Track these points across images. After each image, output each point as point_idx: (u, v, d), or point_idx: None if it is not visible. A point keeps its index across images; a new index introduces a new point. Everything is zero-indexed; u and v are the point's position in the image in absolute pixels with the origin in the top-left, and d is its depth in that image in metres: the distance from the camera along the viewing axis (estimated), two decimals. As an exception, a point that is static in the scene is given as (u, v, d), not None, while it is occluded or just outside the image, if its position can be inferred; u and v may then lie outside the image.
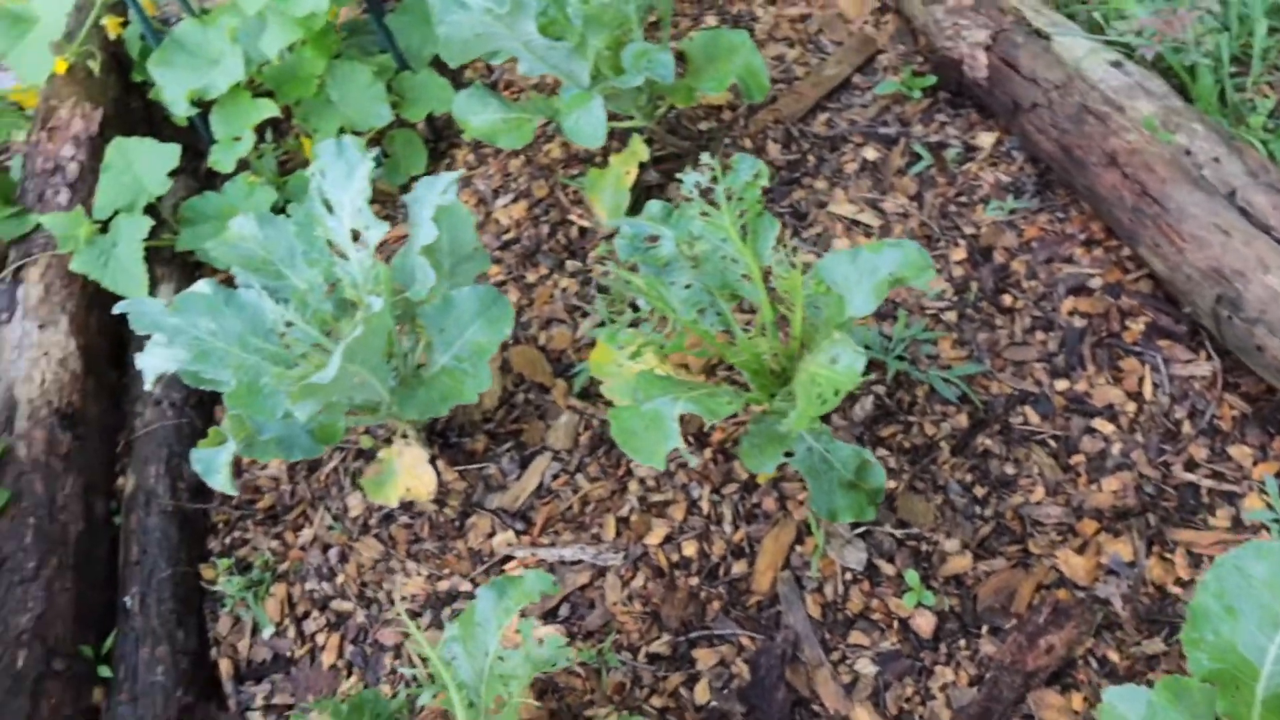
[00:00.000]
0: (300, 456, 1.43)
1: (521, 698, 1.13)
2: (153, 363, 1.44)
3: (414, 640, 1.46)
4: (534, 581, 1.24)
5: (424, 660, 1.46)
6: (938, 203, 1.84)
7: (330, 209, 1.47)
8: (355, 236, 1.46)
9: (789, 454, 1.38)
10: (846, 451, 1.40)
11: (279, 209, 1.90)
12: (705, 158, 1.42)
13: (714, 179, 1.40)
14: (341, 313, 1.51)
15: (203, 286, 1.48)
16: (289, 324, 1.50)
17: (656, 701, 1.38)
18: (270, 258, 1.53)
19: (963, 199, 1.83)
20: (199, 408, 1.79)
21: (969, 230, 1.78)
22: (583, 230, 1.90)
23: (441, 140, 2.12)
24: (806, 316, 1.44)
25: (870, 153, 1.94)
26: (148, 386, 1.43)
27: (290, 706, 1.47)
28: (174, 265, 1.95)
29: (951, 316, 1.69)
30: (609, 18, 1.66)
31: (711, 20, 2.23)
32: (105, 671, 1.50)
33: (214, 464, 1.35)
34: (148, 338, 1.43)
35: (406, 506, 1.59)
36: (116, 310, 1.40)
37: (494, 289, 1.44)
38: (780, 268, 1.41)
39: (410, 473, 1.47)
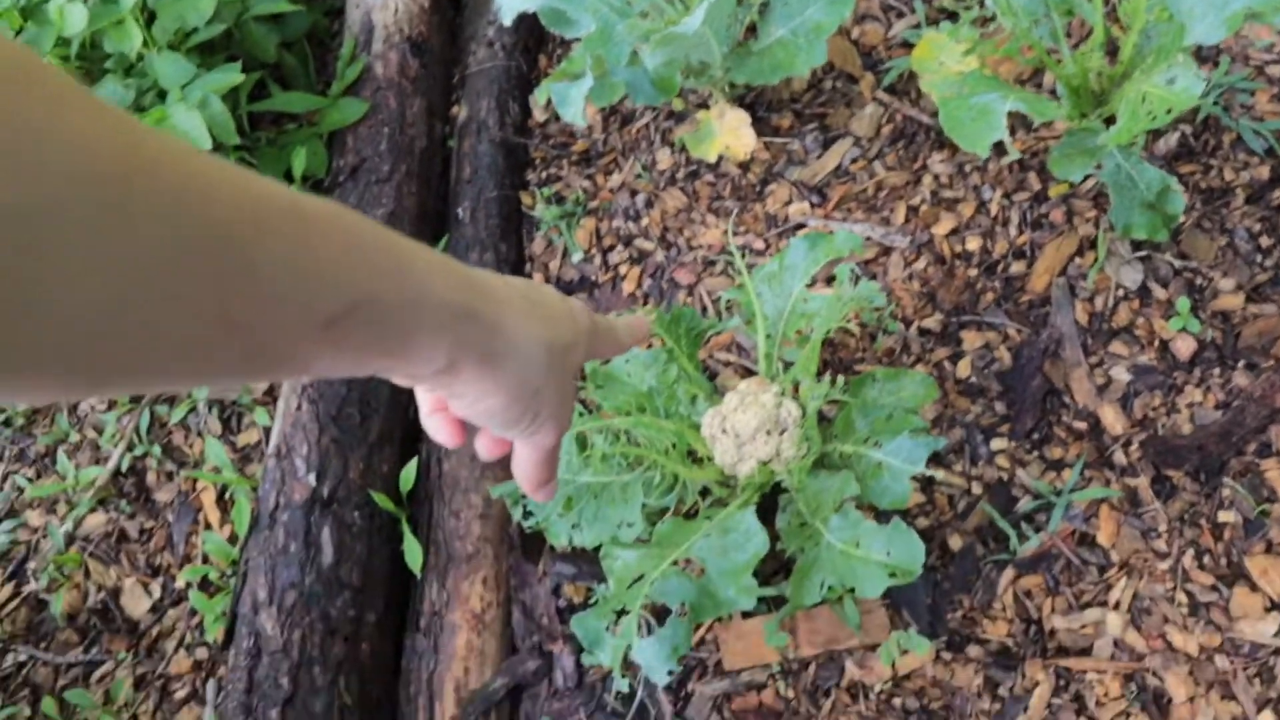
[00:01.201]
0: (643, 101, 1.58)
1: (829, 329, 1.30)
2: (512, 2, 1.59)
3: (734, 273, 1.65)
4: (844, 239, 1.38)
5: (714, 301, 1.66)
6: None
7: None
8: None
9: (1098, 166, 1.45)
10: (1152, 174, 1.46)
11: None
12: None
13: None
14: (681, -24, 1.61)
15: (564, -70, 1.60)
16: (634, -22, 1.61)
17: (921, 368, 1.54)
18: (627, -90, 1.62)
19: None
20: (525, 53, 1.95)
21: (1314, -23, 1.71)
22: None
23: None
24: (1138, 43, 1.46)
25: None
26: (506, 23, 1.58)
27: (593, 322, 1.70)
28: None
29: (1276, 70, 1.67)
30: None
31: None
32: (442, 266, 1.75)
33: (569, 96, 1.51)
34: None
35: (712, 166, 1.74)
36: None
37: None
38: (1128, -13, 1.43)
39: (732, 132, 1.60)
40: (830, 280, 1.60)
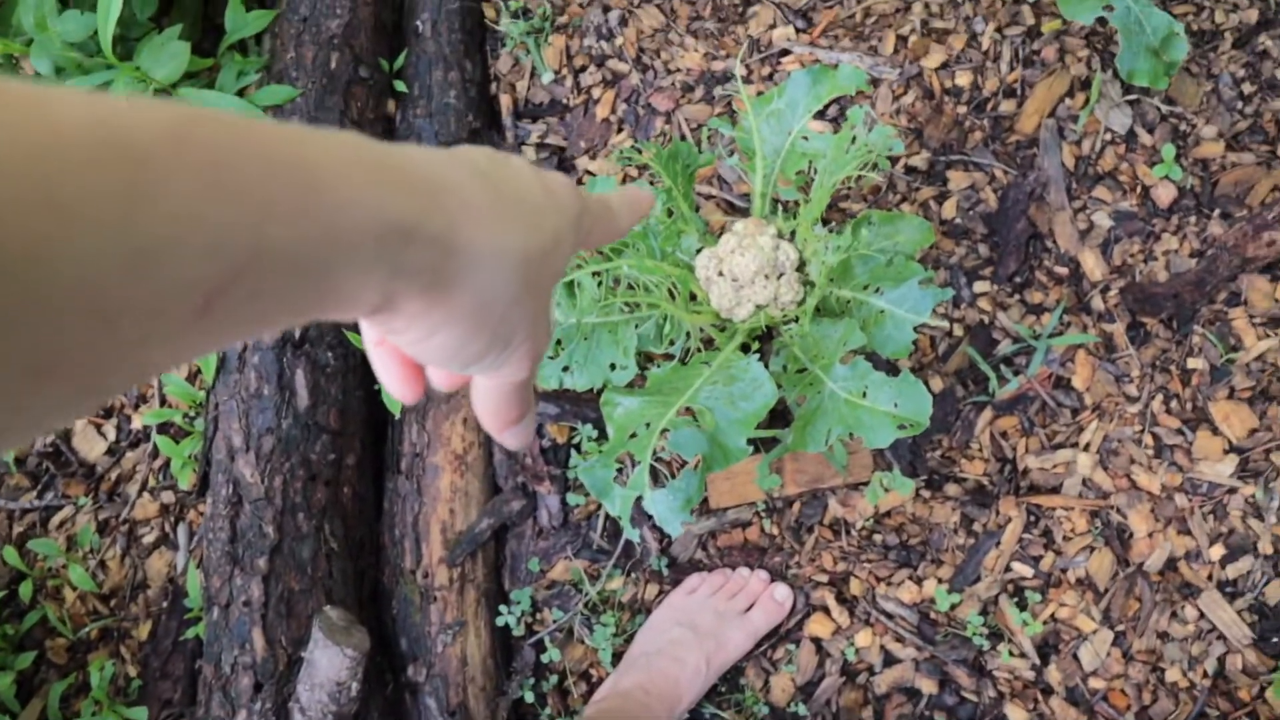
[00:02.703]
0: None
1: (837, 179, 1.25)
2: None
3: (718, 101, 1.58)
4: (849, 75, 1.32)
5: (695, 128, 1.59)
6: None
7: None
8: None
9: (1108, 8, 1.41)
10: (1160, 18, 1.42)
11: None
12: None
13: None
14: None
15: None
16: None
17: (906, 208, 1.52)
18: None
19: None
20: None
21: None
22: None
23: None
24: None
25: None
26: None
27: (563, 149, 1.62)
28: None
29: (1270, -100, 1.62)
30: None
31: None
32: (400, 87, 1.63)
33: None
34: None
35: (692, -15, 1.63)
36: None
37: None
38: None
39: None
40: (822, 115, 1.54)
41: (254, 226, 0.27)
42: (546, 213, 0.41)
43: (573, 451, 1.47)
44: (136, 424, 1.54)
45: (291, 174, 0.29)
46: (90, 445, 1.55)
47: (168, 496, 1.51)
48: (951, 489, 1.42)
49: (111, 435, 1.56)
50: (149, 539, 1.49)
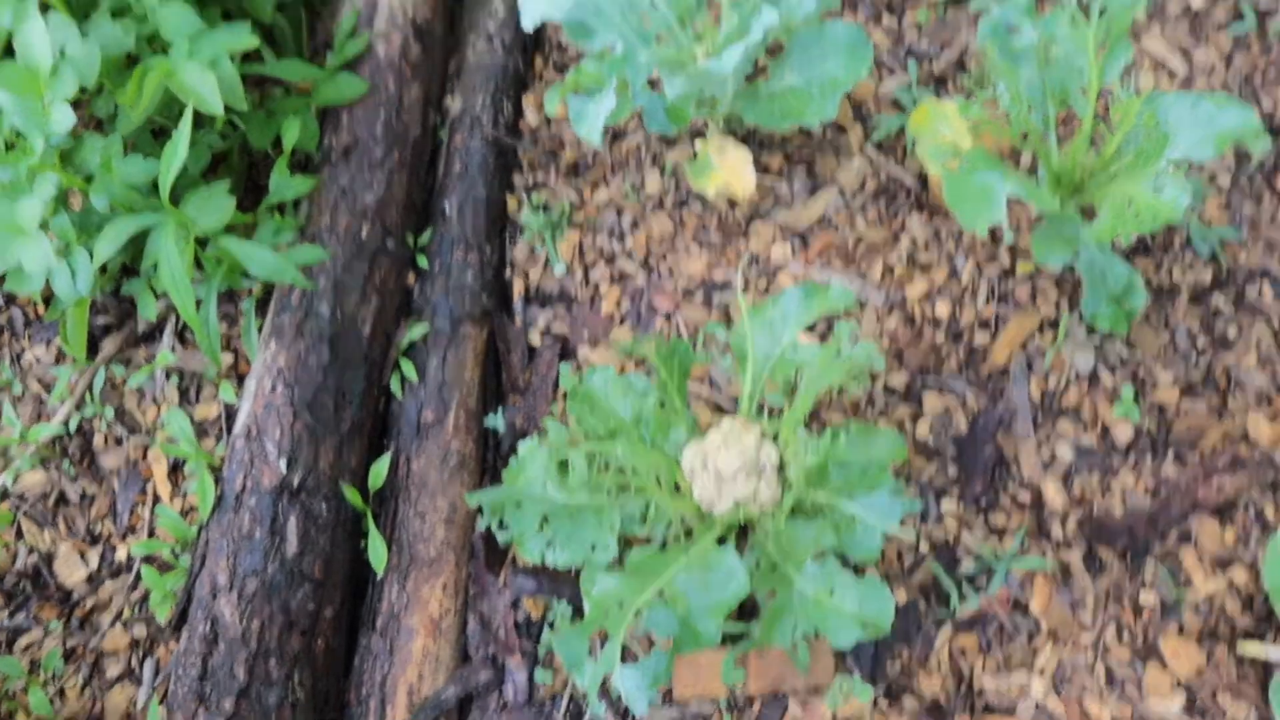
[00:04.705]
0: (655, 129, 1.60)
1: (821, 388, 1.35)
2: (535, 5, 1.59)
3: (718, 308, 1.69)
4: (839, 295, 1.43)
5: (694, 330, 1.69)
6: (1245, 68, 1.89)
7: (730, -90, 1.57)
8: (746, -57, 1.56)
9: (1074, 254, 1.55)
10: (1121, 269, 1.57)
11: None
12: (1099, -32, 1.50)
13: (1097, -8, 1.48)
14: (700, 9, 1.64)
15: (591, -51, 1.60)
16: (653, 4, 1.63)
17: (883, 423, 1.61)
18: (653, -62, 1.63)
19: (1271, 72, 1.88)
20: (523, 51, 1.95)
21: (1267, 105, 1.85)
22: (906, -10, 1.97)
23: None
24: (1122, 143, 1.56)
25: (1196, 0, 1.97)
26: (527, 28, 1.59)
27: (566, 338, 1.72)
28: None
29: (1225, 180, 1.80)
30: None
31: None
32: (422, 262, 1.74)
33: (587, 114, 1.52)
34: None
35: (699, 197, 1.77)
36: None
37: (863, 31, 1.56)
38: (1120, 91, 1.52)
39: (732, 171, 1.64)
40: (811, 329, 1.65)
41: None
42: None
43: (546, 628, 1.51)
44: (121, 554, 1.57)
45: None
46: (71, 571, 1.58)
47: (139, 630, 1.53)
48: (909, 702, 1.45)
49: (94, 563, 1.59)
50: (114, 671, 1.50)
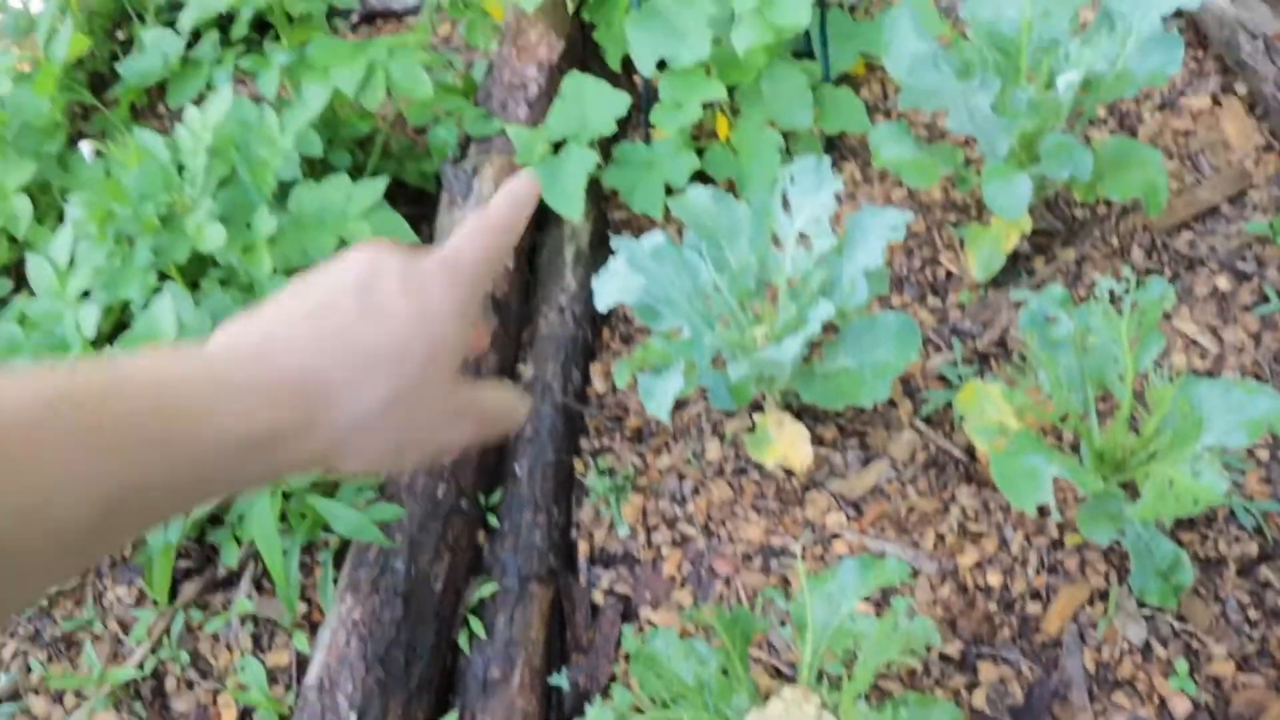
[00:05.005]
0: (720, 406, 1.73)
1: (879, 661, 1.40)
2: (609, 289, 1.74)
3: (774, 574, 1.75)
4: (894, 567, 1.50)
5: (752, 595, 1.75)
6: (1273, 347, 2.01)
7: (787, 208, 1.74)
8: (801, 238, 1.73)
9: (1121, 532, 1.61)
10: (1167, 546, 1.62)
11: (697, 173, 2.19)
12: (1125, 270, 1.64)
13: (1126, 290, 1.62)
14: (759, 293, 1.79)
15: (659, 237, 1.76)
16: (716, 288, 1.79)
17: (939, 693, 1.64)
18: (716, 229, 1.80)
19: (1301, 351, 2.00)
20: (592, 323, 2.11)
21: (1299, 382, 1.95)
22: (949, 273, 2.13)
23: (832, 149, 2.37)
24: (1159, 425, 1.65)
25: (1222, 282, 2.11)
26: (601, 309, 1.74)
27: (629, 598, 1.79)
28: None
29: (1264, 455, 1.87)
30: (1048, 108, 1.87)
31: (1100, 112, 2.40)
32: (492, 521, 1.84)
33: (656, 392, 1.64)
34: (602, 264, 1.74)
35: (758, 466, 1.87)
36: (618, 252, 1.68)
37: (911, 319, 1.69)
38: (1155, 377, 1.63)
39: (790, 445, 1.74)
40: (867, 598, 1.71)
41: (125, 469, 0.34)
42: (409, 350, 0.46)
43: None
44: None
45: (156, 420, 0.35)
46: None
47: None
48: None
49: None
50: None
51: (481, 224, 0.54)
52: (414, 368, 0.46)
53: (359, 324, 0.45)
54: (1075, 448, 1.85)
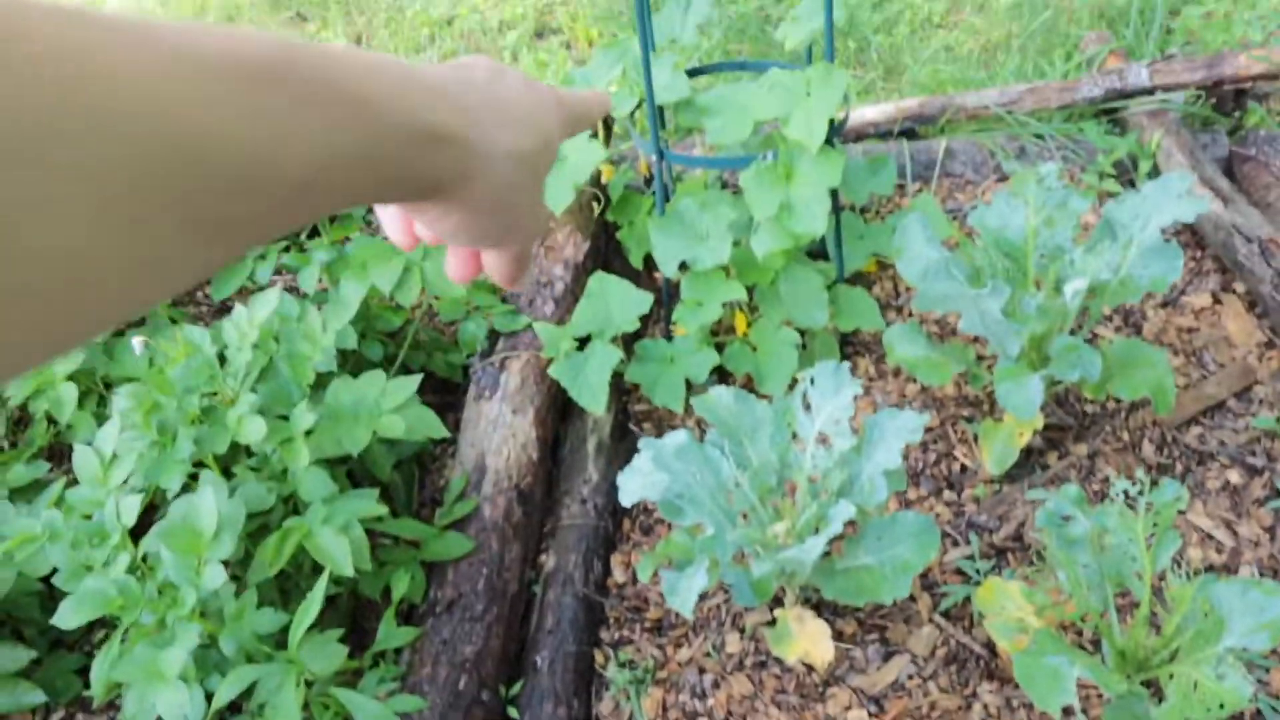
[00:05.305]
0: (742, 602, 1.74)
1: None
2: (634, 486, 1.79)
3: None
4: (919, 775, 1.49)
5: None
6: (1289, 542, 2.03)
7: (808, 408, 1.81)
8: (821, 437, 1.79)
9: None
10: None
11: (716, 368, 2.27)
12: (1137, 467, 1.68)
13: (1140, 491, 1.66)
14: (779, 489, 1.84)
15: (683, 436, 1.82)
16: (737, 484, 1.83)
17: None
18: (738, 427, 1.87)
19: (1315, 550, 2.01)
20: (613, 515, 2.15)
21: (1317, 578, 1.96)
22: (964, 467, 2.18)
23: (847, 344, 2.46)
24: (1180, 624, 1.66)
25: (1234, 476, 2.15)
26: (625, 504, 1.78)
27: (649, 794, 1.76)
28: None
29: (1288, 653, 1.87)
30: (1056, 313, 1.96)
31: (1105, 309, 2.49)
32: (512, 712, 1.83)
33: (679, 588, 1.66)
34: (626, 461, 1.79)
35: (778, 660, 1.88)
36: (643, 450, 1.74)
37: (930, 520, 1.73)
38: (1173, 577, 1.65)
39: (811, 641, 1.75)
40: (890, 800, 1.68)
41: (333, 135, 0.37)
42: (537, 119, 0.51)
43: None
44: None
45: (356, 100, 0.39)
46: None
47: None
48: None
49: None
50: None
51: (588, 95, 0.61)
52: (539, 138, 0.51)
53: (496, 87, 0.50)
54: (1096, 644, 1.85)
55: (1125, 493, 1.68)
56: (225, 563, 1.68)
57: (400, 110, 0.41)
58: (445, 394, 2.43)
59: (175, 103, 0.31)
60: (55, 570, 1.82)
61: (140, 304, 0.32)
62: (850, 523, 1.84)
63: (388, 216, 0.56)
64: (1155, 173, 2.81)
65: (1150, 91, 2.95)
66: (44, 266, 0.27)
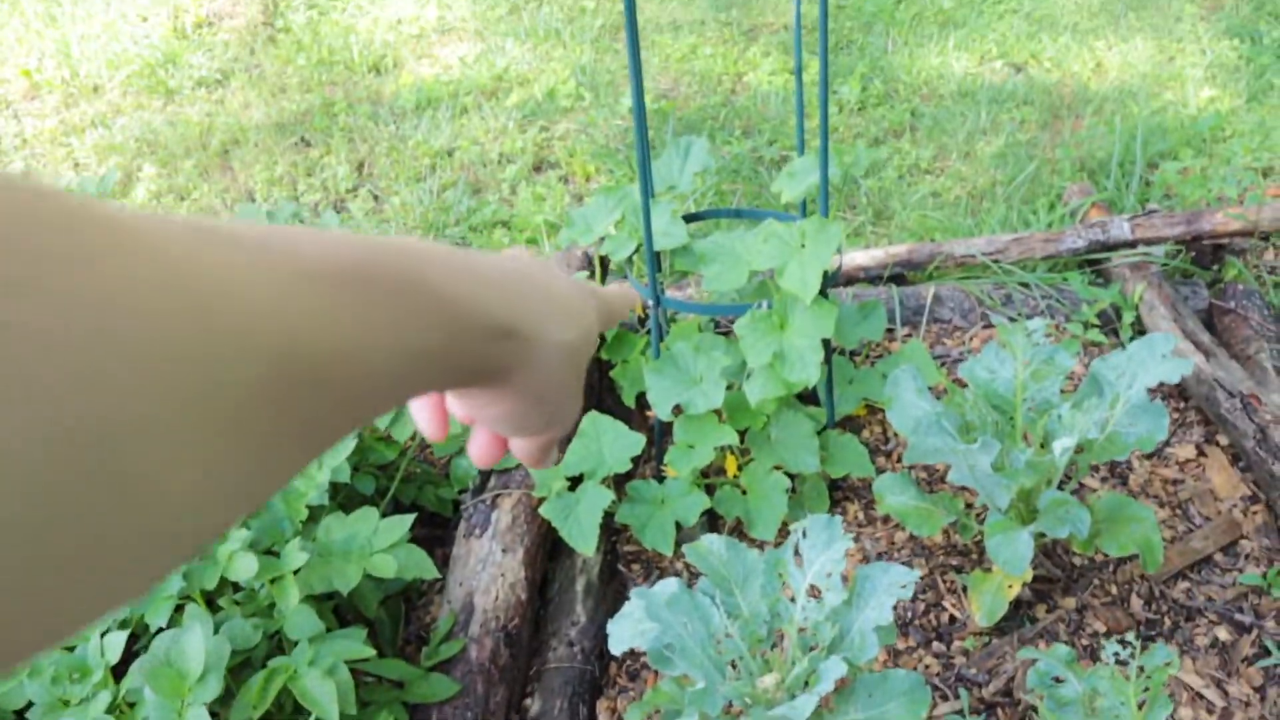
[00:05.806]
0: (732, 758, 1.72)
1: None
2: (624, 634, 1.78)
3: None
4: None
5: None
6: (1278, 701, 2.02)
7: (799, 560, 1.81)
8: (814, 592, 1.79)
9: None
10: None
11: (706, 511, 2.27)
12: (1129, 637, 1.69)
13: (1132, 655, 1.66)
14: (769, 639, 1.83)
15: (674, 585, 1.82)
16: (728, 634, 1.83)
17: None
18: (729, 576, 1.87)
19: (1306, 709, 2.00)
20: (601, 659, 2.13)
21: (1308, 745, 1.95)
22: (952, 618, 2.18)
23: (836, 489, 2.48)
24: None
25: (1222, 633, 2.15)
26: (615, 652, 1.77)
27: None
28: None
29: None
30: (1045, 468, 1.99)
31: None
32: None
33: (667, 742, 1.65)
34: (617, 608, 1.79)
35: (767, 817, 1.84)
36: (634, 598, 1.74)
37: (921, 678, 1.72)
38: (1164, 743, 1.64)
39: (801, 801, 1.72)
40: None
41: (416, 335, 0.38)
42: (582, 311, 0.52)
43: None
44: None
45: (440, 298, 0.40)
46: None
47: None
48: None
49: None
50: None
51: (617, 291, 0.63)
52: (582, 330, 0.51)
53: (548, 280, 0.50)
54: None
55: (1116, 655, 1.68)
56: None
57: (478, 306, 0.43)
58: (434, 527, 2.42)
59: (298, 317, 0.31)
60: (30, 704, 1.78)
61: (236, 521, 0.30)
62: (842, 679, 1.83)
63: (419, 403, 0.55)
64: (1138, 323, 2.88)
65: (1132, 244, 3.05)
66: (175, 508, 0.26)
